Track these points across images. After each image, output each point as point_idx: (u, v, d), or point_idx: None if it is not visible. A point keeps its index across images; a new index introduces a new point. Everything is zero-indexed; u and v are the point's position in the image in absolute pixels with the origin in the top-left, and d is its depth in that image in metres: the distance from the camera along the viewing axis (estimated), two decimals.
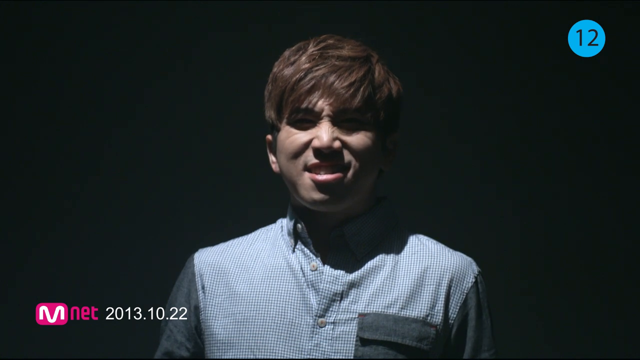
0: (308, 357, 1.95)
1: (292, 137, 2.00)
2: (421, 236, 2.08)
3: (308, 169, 1.99)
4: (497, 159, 3.46)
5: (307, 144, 1.99)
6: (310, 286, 1.99)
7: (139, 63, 3.46)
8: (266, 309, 1.99)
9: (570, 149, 3.46)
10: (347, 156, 1.98)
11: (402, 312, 1.98)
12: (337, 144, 1.97)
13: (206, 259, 2.08)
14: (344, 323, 1.97)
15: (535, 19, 3.45)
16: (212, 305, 2.03)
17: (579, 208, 3.45)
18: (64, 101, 3.45)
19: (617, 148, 3.46)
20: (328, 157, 1.97)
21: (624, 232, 3.45)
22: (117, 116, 3.45)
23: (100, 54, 3.45)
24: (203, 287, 2.06)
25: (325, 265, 2.00)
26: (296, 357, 1.96)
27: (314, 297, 1.99)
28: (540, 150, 3.46)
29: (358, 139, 1.99)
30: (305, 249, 2.02)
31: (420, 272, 2.02)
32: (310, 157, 1.98)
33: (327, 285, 1.99)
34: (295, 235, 2.04)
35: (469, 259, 2.06)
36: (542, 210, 3.45)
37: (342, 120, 1.99)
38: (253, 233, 2.12)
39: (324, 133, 1.97)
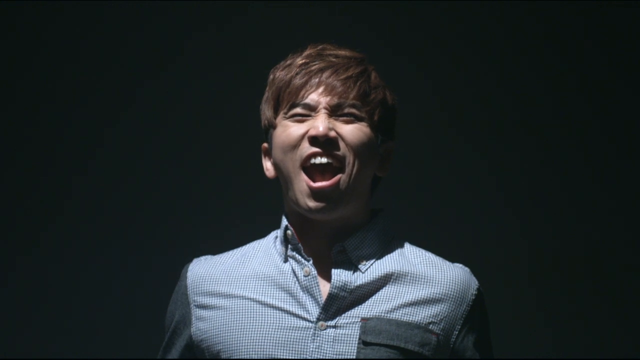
0: (310, 357, 1.96)
1: (288, 130, 2.02)
2: (420, 248, 2.09)
3: (305, 166, 2.00)
4: (496, 160, 3.46)
5: (303, 136, 2.00)
6: (305, 291, 2.00)
7: (138, 64, 3.46)
8: (263, 316, 1.99)
9: (571, 150, 3.46)
10: (343, 148, 1.99)
11: (405, 318, 1.99)
12: (332, 133, 1.99)
13: (199, 271, 2.08)
14: (346, 326, 1.98)
15: (535, 19, 3.44)
16: (206, 318, 2.04)
17: (580, 209, 3.45)
18: (60, 104, 3.46)
19: (619, 148, 3.46)
20: (324, 145, 1.99)
21: (625, 234, 3.45)
22: (114, 117, 3.45)
23: (97, 55, 3.45)
24: (195, 301, 2.06)
25: (333, 272, 2.01)
26: (299, 358, 1.96)
27: (310, 301, 1.99)
28: (540, 152, 3.46)
29: (353, 131, 2.00)
30: (297, 255, 2.02)
31: (424, 282, 2.03)
32: (306, 148, 2.00)
33: (331, 290, 1.99)
34: (286, 242, 2.04)
35: (468, 269, 2.08)
36: (542, 212, 3.45)
37: (338, 114, 2.01)
38: (247, 245, 2.13)
39: (319, 122, 1.99)
